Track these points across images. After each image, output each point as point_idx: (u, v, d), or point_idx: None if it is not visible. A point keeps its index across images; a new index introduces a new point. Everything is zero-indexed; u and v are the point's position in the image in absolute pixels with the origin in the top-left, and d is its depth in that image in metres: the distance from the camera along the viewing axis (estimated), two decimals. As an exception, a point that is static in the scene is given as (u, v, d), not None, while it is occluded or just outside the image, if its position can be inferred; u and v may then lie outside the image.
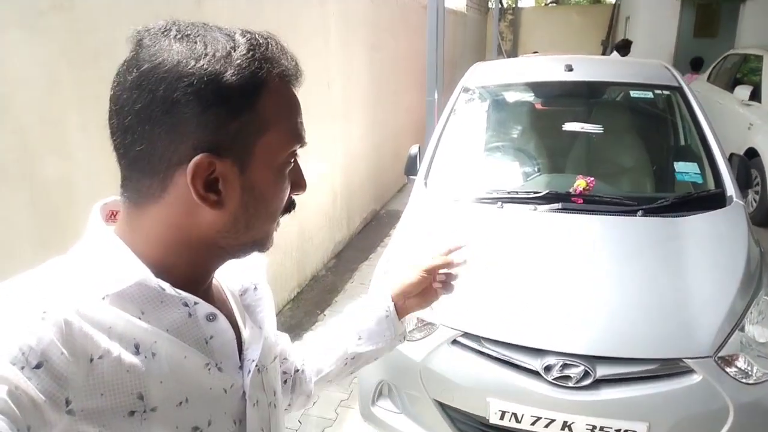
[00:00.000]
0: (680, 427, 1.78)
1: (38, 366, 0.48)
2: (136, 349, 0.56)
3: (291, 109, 0.63)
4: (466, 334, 1.97)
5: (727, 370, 1.80)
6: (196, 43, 0.57)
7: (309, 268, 4.11)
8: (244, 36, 0.59)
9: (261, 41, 0.60)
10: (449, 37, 7.40)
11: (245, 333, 0.70)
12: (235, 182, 0.59)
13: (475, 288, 2.04)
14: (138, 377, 0.55)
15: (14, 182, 1.72)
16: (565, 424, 1.82)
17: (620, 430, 1.79)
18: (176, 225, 0.60)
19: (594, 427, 1.80)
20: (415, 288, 1.00)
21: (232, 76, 0.56)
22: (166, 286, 0.59)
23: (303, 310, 3.75)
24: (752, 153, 5.19)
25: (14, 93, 1.70)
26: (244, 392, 0.67)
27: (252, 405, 0.68)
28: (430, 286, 1.01)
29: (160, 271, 0.60)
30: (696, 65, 8.23)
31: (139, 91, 0.55)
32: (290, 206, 0.67)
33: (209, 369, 0.63)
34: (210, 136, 0.57)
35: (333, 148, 4.41)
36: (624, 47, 7.68)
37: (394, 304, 1.00)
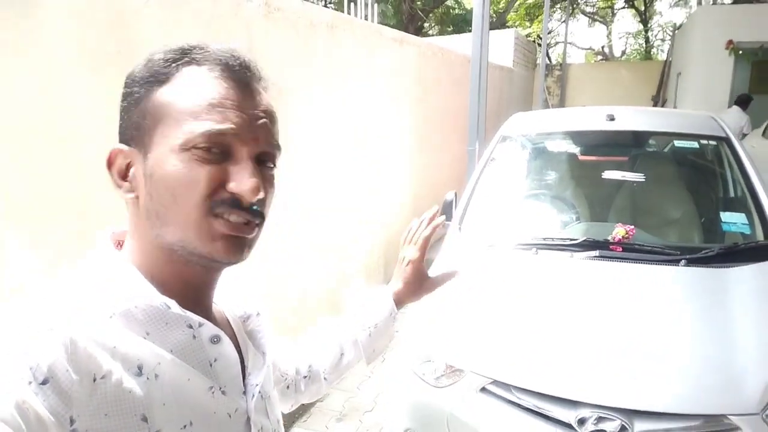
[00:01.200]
0: (726, 491, 1.65)
1: (44, 382, 0.48)
2: (139, 371, 0.56)
3: (199, 93, 0.61)
4: (495, 382, 1.91)
5: (777, 430, 1.67)
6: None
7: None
8: (176, 44, 0.64)
9: (185, 45, 0.63)
10: (494, 90, 7.52)
11: (248, 358, 0.71)
12: (140, 169, 0.61)
13: (506, 334, 1.99)
14: (141, 399, 0.55)
15: (69, 211, 1.82)
16: (599, 483, 1.72)
17: (660, 491, 1.67)
18: (142, 235, 0.63)
19: (631, 487, 1.69)
20: (414, 279, 1.10)
21: (139, 71, 0.62)
22: (172, 303, 0.60)
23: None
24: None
25: (77, 127, 1.82)
26: (248, 418, 0.67)
27: (256, 431, 0.68)
28: (424, 277, 1.11)
29: (163, 289, 0.61)
30: (743, 102, 7.89)
31: None
32: (234, 205, 0.61)
33: (213, 392, 0.63)
34: (122, 128, 0.63)
35: (375, 197, 4.47)
36: (746, 102, 7.72)
37: (394, 302, 1.08)
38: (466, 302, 2.23)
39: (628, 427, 1.71)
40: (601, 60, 24.59)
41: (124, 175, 0.63)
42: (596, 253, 2.34)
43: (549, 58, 15.15)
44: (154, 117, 0.61)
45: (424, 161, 5.68)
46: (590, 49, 27.31)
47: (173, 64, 0.62)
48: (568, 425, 1.77)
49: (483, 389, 1.92)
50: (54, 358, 0.49)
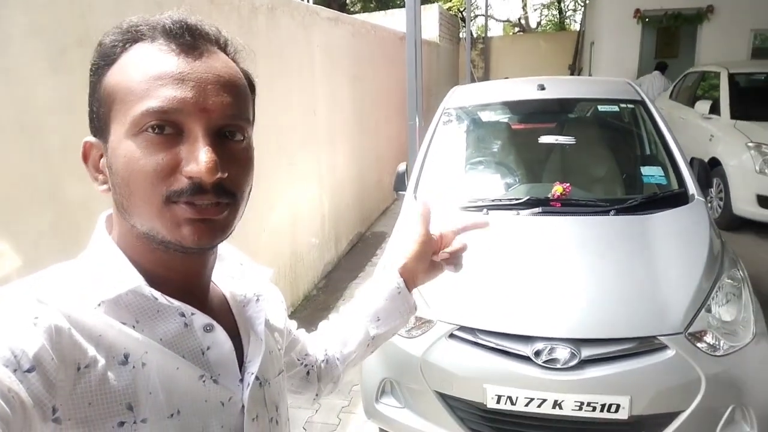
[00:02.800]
0: (659, 398, 1.96)
1: (30, 370, 0.47)
2: (125, 359, 0.55)
3: (143, 69, 0.56)
4: (461, 328, 2.15)
5: (698, 345, 2.00)
6: None
7: (301, 288, 4.26)
8: (121, 22, 0.60)
9: (130, 22, 0.59)
10: (425, 65, 7.73)
11: (247, 345, 0.69)
12: (105, 160, 0.60)
13: (468, 285, 2.22)
14: (126, 388, 0.54)
15: (41, 203, 1.88)
16: (555, 403, 1.99)
17: (605, 404, 1.96)
18: (121, 225, 0.62)
19: (582, 403, 1.98)
20: (419, 258, 0.98)
21: (93, 58, 0.60)
22: (158, 295, 0.59)
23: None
24: (715, 162, 5.52)
25: (42, 120, 1.86)
26: (243, 406, 0.65)
27: (251, 419, 0.66)
28: (430, 245, 0.99)
29: (152, 278, 0.60)
30: (661, 68, 8.88)
31: None
32: (192, 189, 0.56)
33: (204, 381, 0.61)
34: (90, 122, 0.61)
35: (320, 172, 4.61)
36: (664, 68, 8.92)
37: (403, 279, 0.99)
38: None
39: (576, 353, 1.99)
40: (519, 32, 25.37)
41: (98, 167, 0.61)
42: (539, 209, 2.63)
43: (471, 33, 15.54)
44: (106, 103, 0.58)
45: (365, 136, 5.86)
46: (508, 21, 28.08)
47: (119, 44, 0.58)
48: (527, 357, 2.03)
49: (451, 335, 2.15)
50: (39, 346, 0.48)
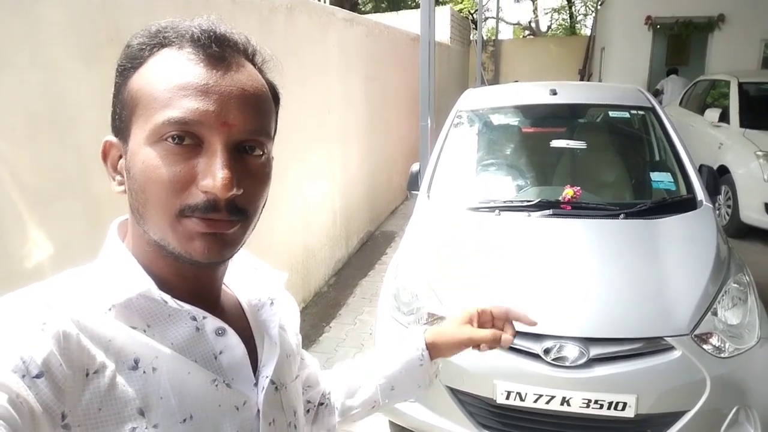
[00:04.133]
0: (665, 397, 2.02)
1: (38, 376, 0.47)
2: (135, 364, 0.55)
3: (167, 76, 0.56)
4: (473, 325, 2.21)
5: (703, 346, 2.06)
6: None
7: (313, 285, 4.33)
8: (149, 25, 0.60)
9: (158, 25, 0.59)
10: (437, 67, 7.82)
11: (262, 349, 0.68)
12: (124, 162, 0.59)
13: (480, 283, 2.29)
14: (137, 393, 0.54)
15: (73, 196, 1.95)
16: (563, 400, 2.05)
17: (612, 402, 2.02)
18: (135, 228, 0.61)
19: (589, 401, 2.03)
20: (452, 339, 0.95)
21: (120, 60, 0.60)
22: (168, 298, 0.58)
23: (309, 323, 3.94)
24: (723, 170, 5.56)
25: (75, 116, 1.94)
26: (259, 410, 0.64)
27: (267, 424, 0.65)
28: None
29: (162, 283, 0.59)
30: (675, 72, 9.09)
31: None
32: (206, 206, 0.55)
33: (216, 385, 0.60)
34: (111, 120, 0.61)
35: (333, 170, 4.68)
36: (677, 72, 9.17)
37: (428, 349, 0.95)
38: (443, 258, 2.52)
39: (584, 352, 2.05)
40: (529, 35, 25.40)
41: (116, 167, 0.61)
42: (550, 211, 2.69)
43: (482, 35, 15.59)
44: (129, 106, 0.57)
45: (377, 136, 5.92)
46: (518, 24, 28.09)
47: (147, 48, 0.58)
48: (537, 355, 2.09)
49: (463, 332, 2.21)
50: (48, 351, 0.48)
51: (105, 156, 0.62)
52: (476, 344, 0.93)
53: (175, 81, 0.55)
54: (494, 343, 0.92)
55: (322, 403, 0.93)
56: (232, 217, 0.57)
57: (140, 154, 0.56)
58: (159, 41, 0.58)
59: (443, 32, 11.62)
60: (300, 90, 3.88)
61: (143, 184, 0.56)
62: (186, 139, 0.55)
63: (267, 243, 3.39)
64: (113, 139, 0.61)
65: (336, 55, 4.60)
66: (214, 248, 0.57)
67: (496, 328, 0.96)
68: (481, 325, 0.96)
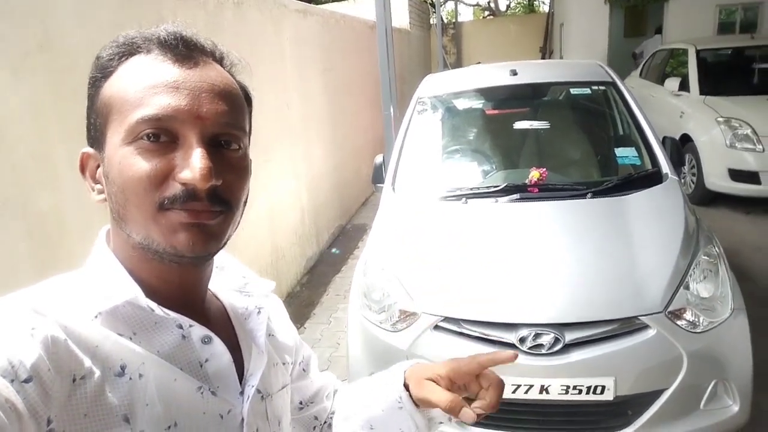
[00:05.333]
0: (642, 377, 2.00)
1: (27, 380, 0.47)
2: (122, 371, 0.55)
3: (138, 78, 0.57)
4: (446, 319, 2.15)
5: (678, 323, 2.04)
6: None
7: (284, 285, 4.23)
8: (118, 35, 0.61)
9: (126, 36, 0.60)
10: (397, 53, 7.71)
11: (249, 358, 0.68)
12: (102, 169, 0.60)
13: (451, 276, 2.23)
14: (123, 399, 0.54)
15: (12, 215, 1.82)
16: (542, 388, 2.02)
17: (591, 387, 1.99)
18: (117, 235, 0.62)
19: (568, 387, 2.00)
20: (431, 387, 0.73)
21: (91, 72, 0.61)
22: (155, 306, 0.58)
23: None
24: (686, 138, 5.60)
25: (5, 130, 1.81)
26: (243, 419, 0.64)
27: None
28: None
29: (148, 289, 0.59)
30: (660, 31, 9.04)
31: None
32: (185, 196, 0.56)
33: (202, 393, 0.60)
34: (87, 133, 0.62)
35: (297, 166, 4.57)
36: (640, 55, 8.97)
37: (409, 393, 0.76)
38: (411, 253, 2.45)
39: (560, 338, 2.01)
40: (489, 15, 25.37)
41: (95, 178, 0.62)
42: (517, 195, 2.64)
43: (442, 18, 15.51)
44: (103, 114, 0.59)
45: (340, 128, 5.82)
46: (477, 5, 28.03)
47: (116, 57, 0.59)
48: (512, 345, 2.05)
49: (436, 327, 2.16)
50: (37, 356, 0.48)
51: (83, 168, 0.62)
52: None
53: (145, 82, 0.56)
54: (452, 414, 0.71)
55: (328, 423, 0.88)
56: (213, 207, 0.57)
57: (117, 155, 0.56)
58: (127, 50, 0.59)
59: (402, 17, 11.50)
60: (256, 86, 3.73)
61: (121, 184, 0.56)
62: (161, 136, 0.56)
63: (232, 247, 3.27)
64: (90, 150, 0.62)
65: (291, 48, 4.47)
66: (198, 240, 0.57)
67: (478, 385, 0.75)
68: (461, 384, 0.75)
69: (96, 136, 0.60)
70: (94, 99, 0.60)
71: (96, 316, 0.56)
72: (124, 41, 0.60)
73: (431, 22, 15.41)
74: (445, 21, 18.13)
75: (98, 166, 0.61)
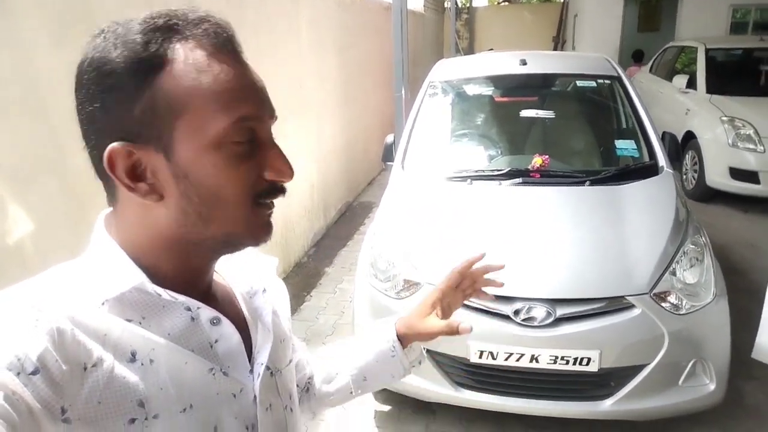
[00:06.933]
0: (626, 352, 2.16)
1: (34, 372, 0.47)
2: (133, 357, 0.55)
3: (213, 78, 0.56)
4: (446, 290, 2.31)
5: (662, 304, 2.19)
6: (100, 36, 0.56)
7: (293, 256, 4.40)
8: (144, 15, 0.56)
9: (157, 15, 0.56)
10: (411, 36, 7.79)
11: (256, 336, 0.69)
12: (165, 170, 0.57)
13: (453, 249, 2.38)
14: (136, 385, 0.54)
15: (50, 174, 1.97)
16: (532, 357, 2.18)
17: (577, 358, 2.15)
18: (139, 224, 0.60)
19: (556, 357, 2.16)
20: (418, 334, 0.96)
21: (117, 57, 0.54)
22: (162, 291, 0.59)
23: (290, 293, 3.90)
24: (690, 135, 5.71)
25: (46, 95, 1.95)
26: (255, 396, 0.65)
27: (264, 409, 0.67)
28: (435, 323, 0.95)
29: (153, 274, 0.59)
30: (637, 57, 8.95)
31: (75, 95, 0.57)
32: (271, 192, 0.61)
33: (214, 374, 0.61)
34: (117, 124, 0.55)
35: (309, 144, 4.71)
36: (641, 55, 8.89)
37: (399, 336, 0.96)
38: (417, 227, 2.61)
39: (551, 312, 2.17)
40: (504, 2, 25.22)
41: (134, 176, 0.57)
42: (520, 180, 2.79)
43: (456, 2, 15.47)
44: (168, 110, 0.55)
45: (352, 108, 5.94)
46: (493, -10, 27.80)
47: (160, 45, 0.55)
48: (507, 316, 2.21)
49: (437, 296, 2.31)
50: (42, 348, 0.48)
51: (113, 165, 0.56)
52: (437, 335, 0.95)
53: (219, 83, 0.56)
54: (452, 334, 0.93)
55: (306, 388, 0.95)
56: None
57: (206, 159, 0.56)
58: (171, 36, 0.56)
59: (417, 0, 11.52)
60: (272, 64, 3.88)
61: (215, 187, 0.57)
62: (245, 137, 0.58)
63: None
64: (127, 145, 0.55)
65: (307, 27, 4.58)
66: (270, 230, 0.63)
67: (468, 287, 1.04)
68: (457, 291, 1.02)
69: (147, 132, 0.55)
70: (139, 91, 0.54)
71: (103, 303, 0.56)
72: (163, 25, 0.56)
73: (445, 5, 15.38)
74: (460, 5, 18.07)
75: (137, 163, 0.56)
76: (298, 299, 3.92)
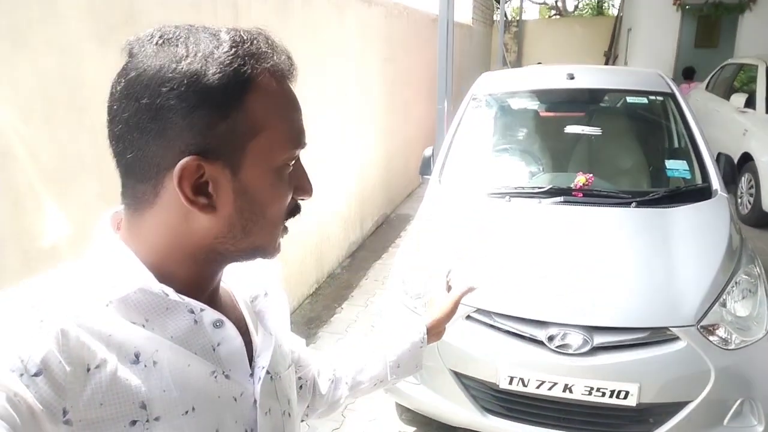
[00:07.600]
0: (668, 387, 2.02)
1: (37, 374, 0.47)
2: (136, 358, 0.56)
3: (287, 107, 0.61)
4: (478, 310, 2.23)
5: (709, 338, 2.05)
6: (178, 46, 0.56)
7: (326, 266, 4.38)
8: (229, 33, 0.57)
9: (246, 37, 0.58)
10: (457, 48, 7.73)
11: (257, 340, 0.70)
12: (227, 186, 0.58)
13: (487, 269, 2.30)
14: (138, 386, 0.55)
15: (89, 175, 2.00)
16: (566, 387, 2.07)
17: (614, 391, 2.03)
18: (172, 231, 0.60)
19: (591, 388, 2.05)
20: (447, 319, 1.10)
21: (214, 75, 0.55)
22: (170, 291, 0.59)
23: (321, 304, 4.00)
24: (747, 157, 5.44)
25: (90, 95, 1.98)
26: (255, 400, 0.66)
27: (264, 413, 0.67)
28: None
29: (163, 277, 0.59)
30: (688, 74, 8.60)
31: (126, 100, 0.56)
32: (294, 210, 0.66)
33: (215, 377, 0.61)
34: (197, 139, 0.55)
35: (349, 154, 4.69)
36: (692, 72, 8.58)
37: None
38: (451, 244, 2.53)
39: (588, 340, 2.06)
40: (555, 15, 24.88)
41: (197, 189, 0.57)
42: (561, 198, 2.68)
43: (506, 15, 15.34)
44: (247, 131, 0.57)
45: (393, 119, 5.91)
46: (544, 3, 27.49)
47: (252, 68, 0.57)
48: (540, 342, 2.11)
49: (468, 317, 2.24)
50: (46, 350, 0.48)
51: (182, 178, 0.56)
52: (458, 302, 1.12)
53: (292, 111, 0.62)
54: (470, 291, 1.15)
55: (330, 380, 0.98)
56: None
57: (267, 179, 0.60)
58: (254, 62, 0.57)
59: (465, 12, 11.45)
60: (318, 73, 3.89)
61: (267, 203, 0.61)
62: (293, 162, 0.63)
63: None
64: (207, 161, 0.56)
65: (354, 37, 4.59)
66: (281, 248, 0.67)
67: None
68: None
69: (225, 149, 0.57)
70: (228, 109, 0.56)
71: (108, 305, 0.56)
72: (245, 52, 0.57)
73: (494, 18, 15.26)
74: (509, 18, 17.91)
75: (202, 177, 0.57)
76: (329, 310, 3.89)
